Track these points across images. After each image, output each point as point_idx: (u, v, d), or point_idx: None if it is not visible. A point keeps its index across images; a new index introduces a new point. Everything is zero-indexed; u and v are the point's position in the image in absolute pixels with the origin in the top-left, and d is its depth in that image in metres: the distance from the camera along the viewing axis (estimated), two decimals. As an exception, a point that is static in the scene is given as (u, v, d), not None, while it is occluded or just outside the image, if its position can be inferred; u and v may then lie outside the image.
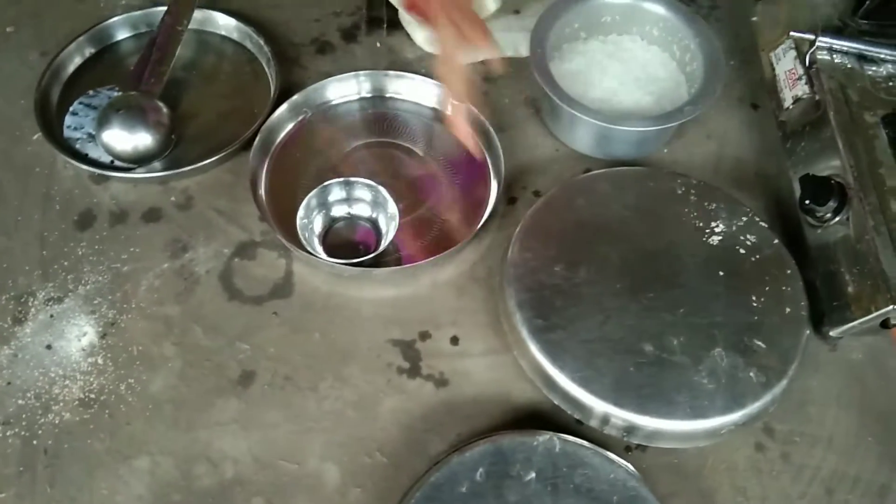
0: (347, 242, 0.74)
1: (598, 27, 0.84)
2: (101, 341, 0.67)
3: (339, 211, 0.74)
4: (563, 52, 0.83)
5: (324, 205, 0.73)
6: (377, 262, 0.71)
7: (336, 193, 0.73)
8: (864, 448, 0.65)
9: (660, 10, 0.82)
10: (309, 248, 0.69)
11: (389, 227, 0.71)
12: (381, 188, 0.72)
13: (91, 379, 0.65)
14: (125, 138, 0.74)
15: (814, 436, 0.65)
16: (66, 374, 0.66)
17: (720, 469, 0.63)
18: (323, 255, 0.70)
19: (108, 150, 0.75)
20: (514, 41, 0.87)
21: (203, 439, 0.63)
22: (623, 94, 0.80)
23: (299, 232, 0.69)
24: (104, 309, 0.69)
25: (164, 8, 0.87)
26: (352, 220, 0.75)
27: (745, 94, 0.86)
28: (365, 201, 0.74)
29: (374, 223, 0.74)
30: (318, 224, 0.73)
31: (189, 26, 0.87)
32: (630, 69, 0.82)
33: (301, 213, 0.70)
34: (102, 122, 0.75)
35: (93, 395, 0.65)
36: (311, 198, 0.70)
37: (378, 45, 0.89)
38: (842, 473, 0.64)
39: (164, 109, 0.77)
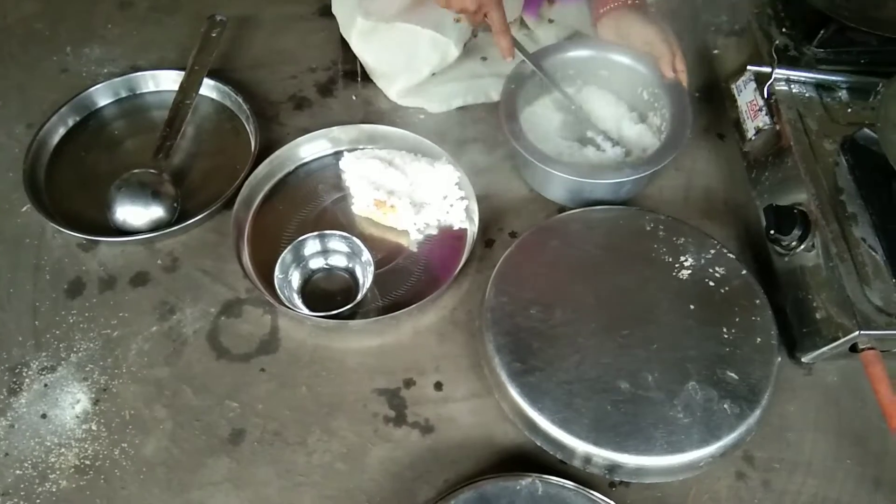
0: (327, 294, 0.76)
1: (596, 79, 0.86)
2: (94, 407, 0.69)
3: (316, 264, 0.76)
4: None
5: (300, 259, 0.75)
6: (356, 312, 0.73)
7: (311, 247, 0.75)
8: (844, 471, 0.66)
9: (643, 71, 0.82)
10: (288, 304, 0.71)
11: (366, 276, 0.73)
12: (354, 238, 0.74)
13: (86, 445, 0.67)
14: (140, 213, 0.78)
15: (793, 461, 0.67)
16: (61, 442, 0.67)
17: (703, 500, 0.65)
18: (303, 310, 0.72)
19: (123, 227, 0.78)
20: (484, 87, 0.90)
21: (196, 500, 0.64)
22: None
23: (278, 289, 0.71)
24: (96, 375, 0.71)
25: (145, 72, 0.91)
26: (330, 271, 0.77)
27: (711, 125, 0.88)
28: (341, 252, 0.76)
29: (351, 273, 0.76)
30: (295, 279, 0.75)
31: (169, 88, 0.90)
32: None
33: (277, 270, 0.72)
34: (114, 201, 0.78)
35: (88, 462, 0.66)
36: (285, 255, 0.73)
37: (354, 97, 0.91)
38: (822, 497, 0.65)
39: (170, 182, 0.81)
